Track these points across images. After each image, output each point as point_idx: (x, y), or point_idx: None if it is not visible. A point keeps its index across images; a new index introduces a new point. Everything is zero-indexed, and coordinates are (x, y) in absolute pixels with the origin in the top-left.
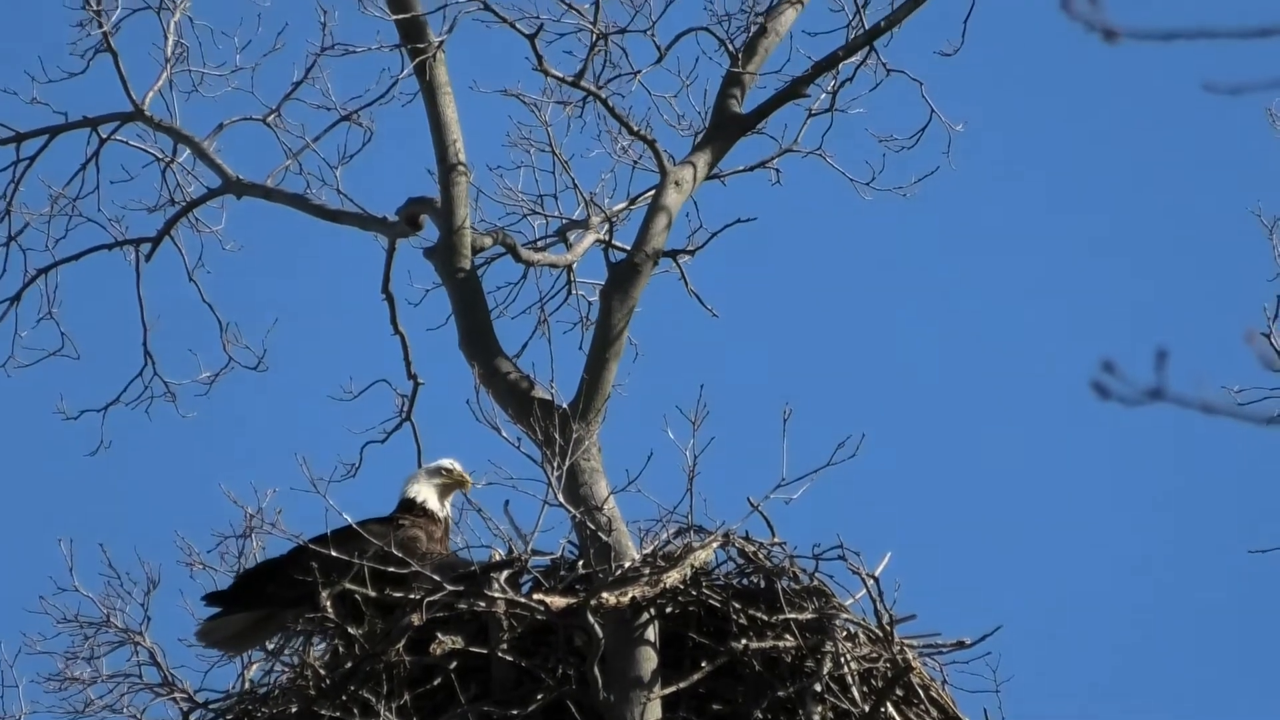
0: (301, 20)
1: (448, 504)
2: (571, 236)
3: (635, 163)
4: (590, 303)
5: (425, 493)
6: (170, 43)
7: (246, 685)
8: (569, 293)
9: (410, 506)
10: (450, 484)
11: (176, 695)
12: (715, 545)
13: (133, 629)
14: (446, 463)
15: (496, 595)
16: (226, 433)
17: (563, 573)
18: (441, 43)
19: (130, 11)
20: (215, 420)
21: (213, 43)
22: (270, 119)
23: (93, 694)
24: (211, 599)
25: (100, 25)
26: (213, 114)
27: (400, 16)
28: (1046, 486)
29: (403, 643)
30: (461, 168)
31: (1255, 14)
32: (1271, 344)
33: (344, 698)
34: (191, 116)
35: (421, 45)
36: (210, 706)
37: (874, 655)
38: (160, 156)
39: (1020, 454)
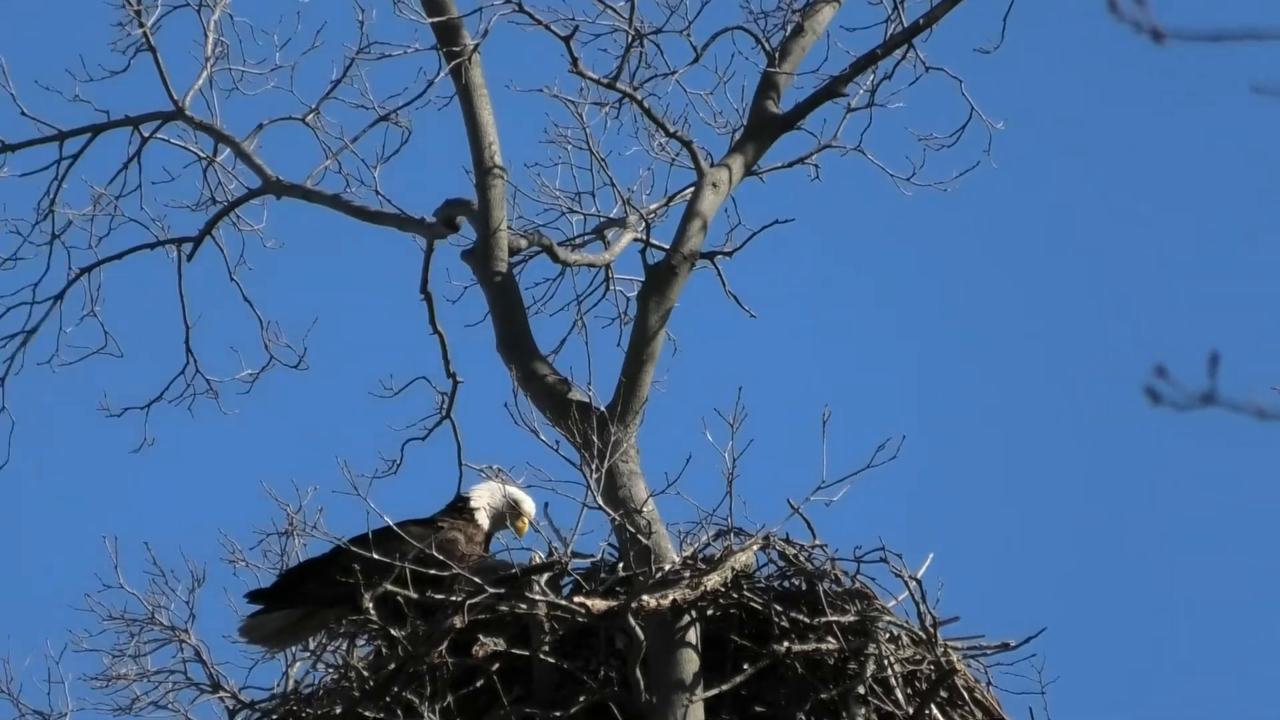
0: (339, 17)
1: (497, 524)
2: (609, 235)
3: (673, 160)
4: (629, 298)
5: (483, 505)
6: (210, 41)
7: (291, 685)
8: (607, 289)
9: (458, 508)
10: (510, 519)
11: (223, 694)
12: (756, 548)
13: (178, 626)
14: (529, 507)
15: (537, 598)
16: (268, 430)
17: (603, 575)
18: (476, 46)
19: (170, 9)
20: (257, 418)
21: (253, 40)
22: (309, 118)
23: (138, 690)
24: (254, 597)
25: (140, 24)
26: (252, 112)
27: (435, 20)
28: (1094, 488)
29: (445, 645)
30: (498, 170)
31: None
32: None
33: (388, 699)
34: (231, 114)
35: (457, 48)
36: (256, 706)
37: (917, 657)
38: (201, 156)
39: (1068, 455)
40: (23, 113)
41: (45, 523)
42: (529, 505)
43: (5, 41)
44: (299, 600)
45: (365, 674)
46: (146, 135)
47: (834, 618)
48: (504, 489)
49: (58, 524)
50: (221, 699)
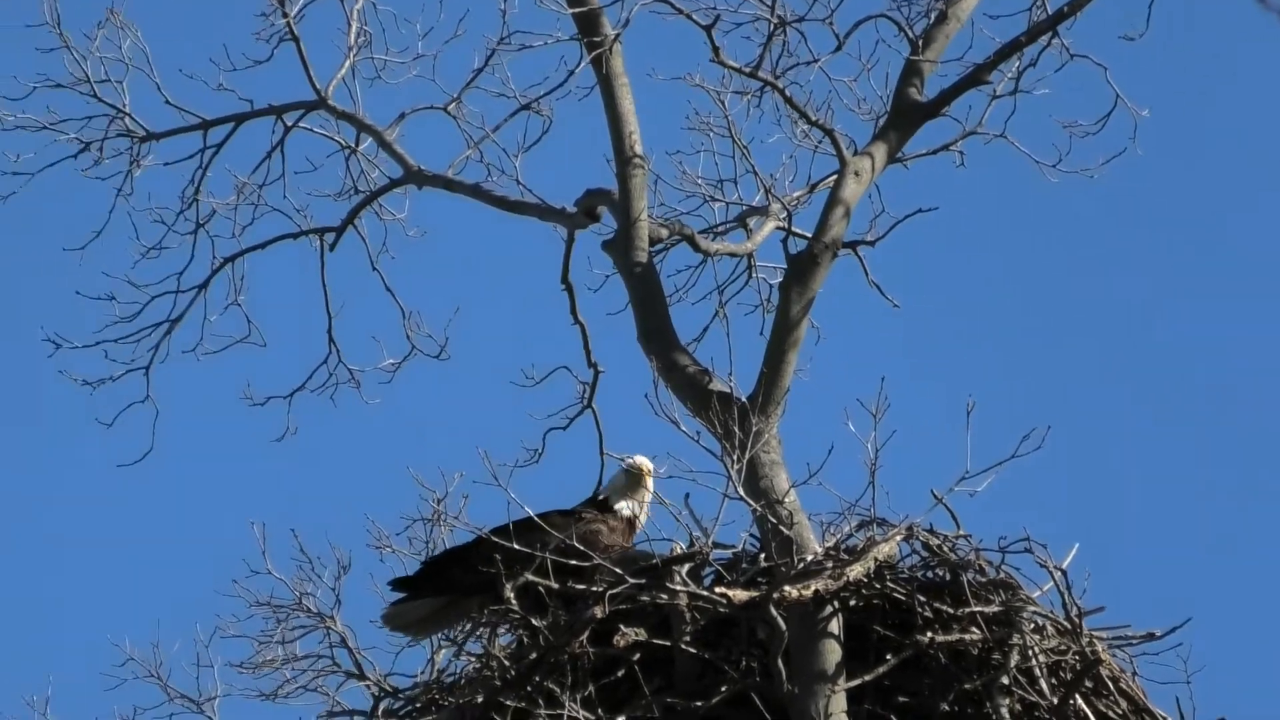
0: (481, 6)
1: (636, 502)
2: (751, 223)
3: (815, 148)
4: (771, 286)
5: (612, 491)
6: (353, 30)
7: (434, 674)
8: (749, 277)
9: (597, 502)
10: (634, 480)
11: (368, 681)
12: (899, 538)
13: (324, 613)
14: (639, 460)
15: (679, 588)
16: (410, 419)
17: (744, 565)
18: (617, 35)
19: None
20: (398, 407)
21: (395, 29)
22: (451, 108)
23: (286, 675)
24: (397, 584)
25: (284, 13)
26: (394, 101)
27: (577, 10)
28: (1240, 478)
29: (586, 635)
30: (638, 160)
31: None
32: None
33: (529, 688)
34: (373, 103)
35: (597, 38)
36: (400, 694)
37: (1062, 647)
38: (343, 145)
39: (1215, 444)
40: (167, 101)
41: (191, 510)
42: (639, 459)
43: (150, 31)
44: (442, 587)
45: (506, 663)
46: (289, 125)
47: (978, 608)
48: (620, 472)
49: (203, 511)
50: (367, 686)
